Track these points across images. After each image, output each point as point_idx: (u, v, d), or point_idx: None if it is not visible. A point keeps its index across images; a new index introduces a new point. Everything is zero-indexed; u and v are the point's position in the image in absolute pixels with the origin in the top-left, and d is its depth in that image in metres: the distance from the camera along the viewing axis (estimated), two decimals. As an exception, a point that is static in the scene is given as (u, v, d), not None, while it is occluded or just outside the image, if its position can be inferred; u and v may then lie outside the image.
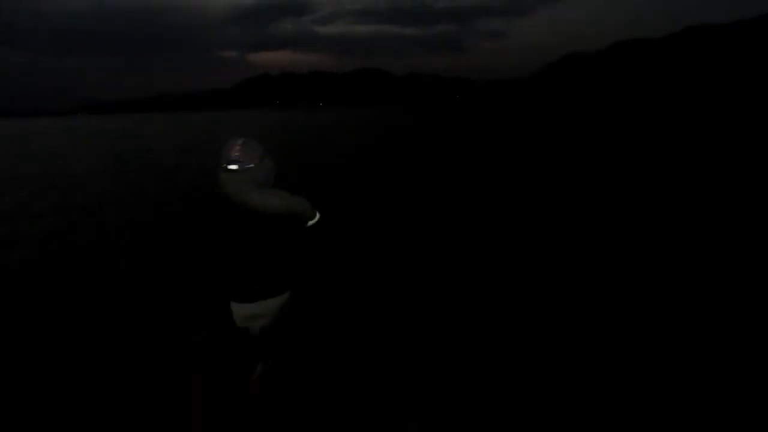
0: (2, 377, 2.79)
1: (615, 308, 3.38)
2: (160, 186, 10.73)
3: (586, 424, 2.24)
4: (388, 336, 3.16)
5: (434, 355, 2.91)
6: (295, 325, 2.60)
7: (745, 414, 2.26)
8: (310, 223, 2.07)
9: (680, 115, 28.04)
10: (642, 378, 2.56)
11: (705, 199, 6.77)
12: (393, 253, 4.87)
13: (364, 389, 2.57)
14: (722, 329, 3.08)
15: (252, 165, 1.88)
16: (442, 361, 2.83)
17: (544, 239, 5.32)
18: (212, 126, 47.47)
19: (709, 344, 2.89)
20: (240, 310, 2.10)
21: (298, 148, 18.70)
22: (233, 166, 1.87)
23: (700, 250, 4.53)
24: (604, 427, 2.22)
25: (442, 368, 2.74)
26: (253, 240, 1.98)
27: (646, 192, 7.68)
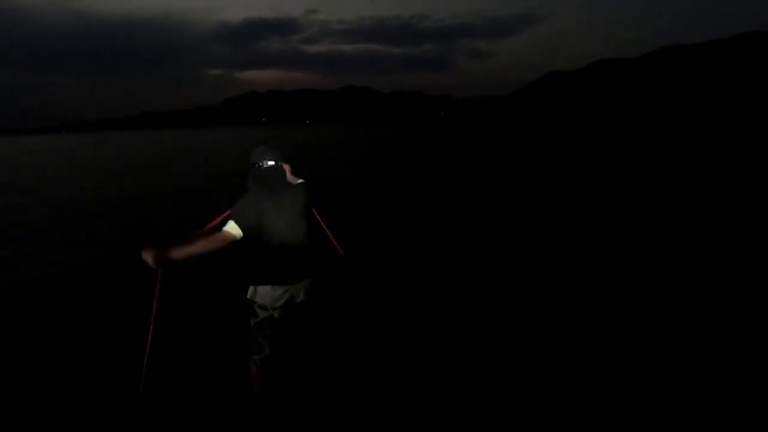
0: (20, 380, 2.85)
1: (609, 314, 3.41)
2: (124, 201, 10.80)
3: (585, 425, 2.21)
4: (388, 336, 3.17)
5: (435, 355, 2.89)
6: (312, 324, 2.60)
7: (745, 414, 2.24)
8: None
9: (655, 129, 29.66)
10: (642, 378, 2.53)
11: (679, 212, 6.86)
12: (386, 262, 4.92)
13: (364, 389, 2.54)
14: (722, 329, 3.07)
15: (281, 164, 2.29)
16: (443, 361, 2.81)
17: (529, 244, 5.49)
18: (192, 143, 47.54)
19: (708, 344, 2.87)
20: (282, 291, 2.24)
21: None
22: (270, 162, 2.24)
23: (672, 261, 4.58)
24: (604, 427, 2.19)
25: (442, 368, 2.72)
26: (299, 223, 2.27)
27: (623, 202, 7.87)
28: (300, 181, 2.41)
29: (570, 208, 7.65)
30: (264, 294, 2.23)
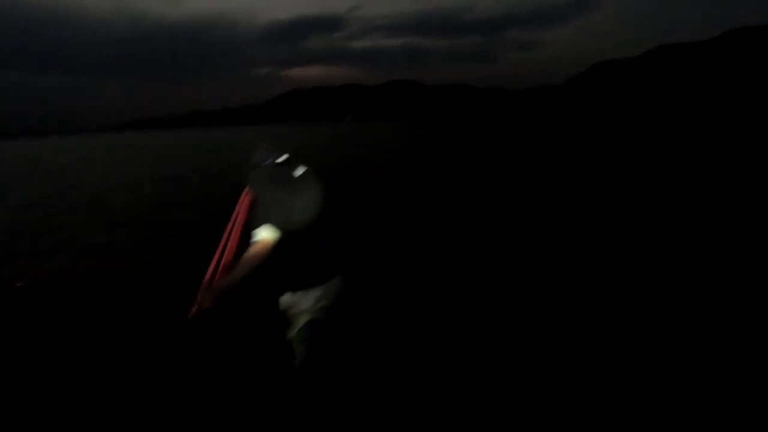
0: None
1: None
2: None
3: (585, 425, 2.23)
4: (398, 337, 3.12)
5: (444, 356, 2.87)
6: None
7: (745, 415, 2.26)
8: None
9: (727, 120, 25.80)
10: (642, 378, 2.55)
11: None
12: (417, 263, 4.69)
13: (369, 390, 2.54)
14: (722, 329, 3.07)
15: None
16: (452, 362, 2.80)
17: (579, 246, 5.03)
18: (237, 141, 49.05)
19: (708, 344, 2.89)
20: (320, 292, 2.15)
21: (317, 158, 18.48)
22: (284, 156, 2.18)
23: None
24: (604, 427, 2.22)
25: (450, 369, 2.71)
26: (323, 215, 2.15)
27: (677, 199, 7.11)
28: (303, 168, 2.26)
29: (635, 208, 6.82)
30: (302, 299, 2.13)
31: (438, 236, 5.85)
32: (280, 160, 2.15)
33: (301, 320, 2.18)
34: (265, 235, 1.95)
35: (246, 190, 2.29)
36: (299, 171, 2.18)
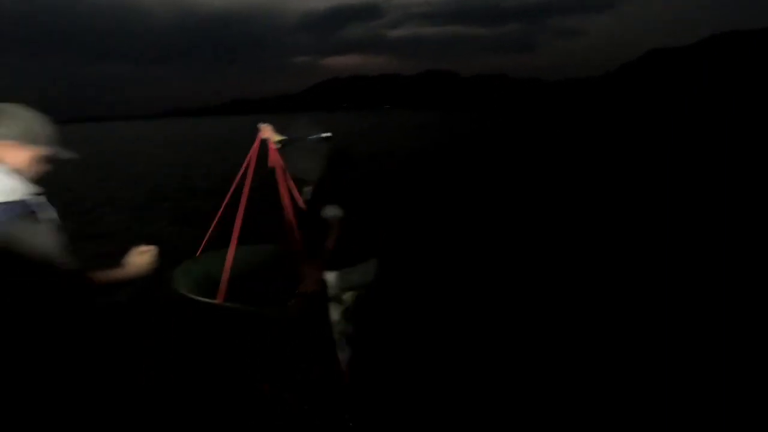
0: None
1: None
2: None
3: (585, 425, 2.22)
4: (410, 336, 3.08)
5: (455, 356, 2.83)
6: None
7: (745, 414, 2.25)
8: None
9: None
10: (641, 378, 2.55)
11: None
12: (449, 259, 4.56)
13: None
14: (722, 330, 3.07)
15: None
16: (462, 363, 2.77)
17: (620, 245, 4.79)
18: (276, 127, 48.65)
19: (708, 345, 2.89)
20: (357, 272, 2.19)
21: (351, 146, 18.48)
22: (327, 134, 2.22)
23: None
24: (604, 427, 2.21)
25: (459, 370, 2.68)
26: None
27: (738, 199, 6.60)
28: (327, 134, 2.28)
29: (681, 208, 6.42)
30: (348, 276, 2.16)
31: (465, 232, 5.77)
32: (325, 135, 2.18)
33: (348, 298, 2.22)
34: (338, 213, 2.04)
35: (258, 141, 2.43)
36: (340, 152, 2.26)
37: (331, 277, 2.19)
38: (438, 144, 20.41)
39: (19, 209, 1.18)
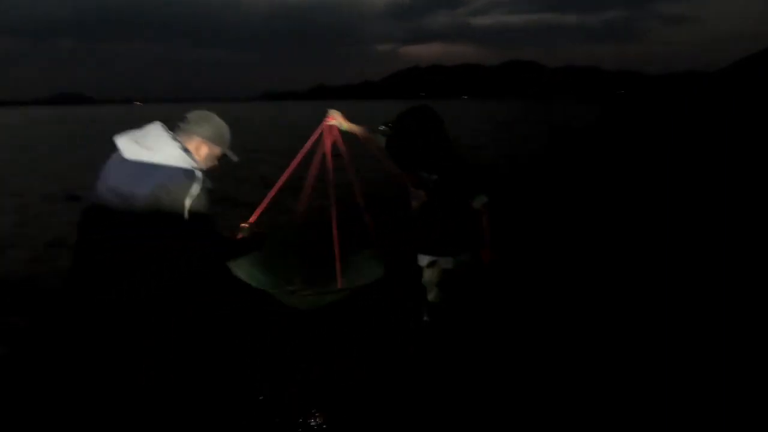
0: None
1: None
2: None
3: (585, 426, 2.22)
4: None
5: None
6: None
7: (745, 414, 2.26)
8: None
9: None
10: (642, 378, 2.53)
11: None
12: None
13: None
14: (722, 330, 3.05)
15: None
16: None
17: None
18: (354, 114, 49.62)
19: (708, 345, 2.88)
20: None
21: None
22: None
23: None
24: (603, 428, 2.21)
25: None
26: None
27: None
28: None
29: None
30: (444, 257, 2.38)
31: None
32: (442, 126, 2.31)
33: (437, 272, 2.43)
34: (486, 200, 2.22)
35: (326, 128, 2.49)
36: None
37: (428, 257, 2.42)
38: (518, 136, 19.04)
39: (191, 174, 1.64)
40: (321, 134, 2.49)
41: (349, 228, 2.67)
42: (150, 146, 1.63)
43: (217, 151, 1.81)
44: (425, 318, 2.62)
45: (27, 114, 70.59)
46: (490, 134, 20.26)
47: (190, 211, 1.60)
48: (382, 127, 2.51)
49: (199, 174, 1.67)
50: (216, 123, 1.81)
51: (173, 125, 1.77)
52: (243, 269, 2.29)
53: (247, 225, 2.23)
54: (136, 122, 1.79)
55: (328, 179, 2.51)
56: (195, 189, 1.62)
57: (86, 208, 1.66)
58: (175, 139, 1.68)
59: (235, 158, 1.88)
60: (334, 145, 2.52)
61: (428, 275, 2.44)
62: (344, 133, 2.54)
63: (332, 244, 2.52)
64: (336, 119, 2.47)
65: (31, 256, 4.65)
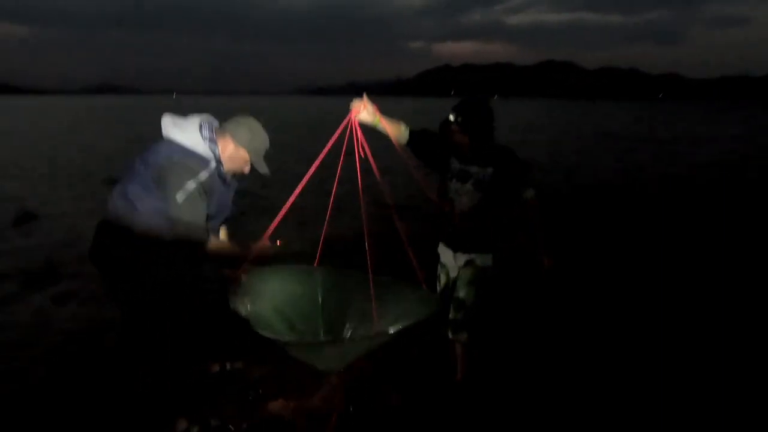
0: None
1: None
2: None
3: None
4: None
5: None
6: None
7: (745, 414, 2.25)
8: None
9: None
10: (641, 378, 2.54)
11: None
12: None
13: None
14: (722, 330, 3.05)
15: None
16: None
17: None
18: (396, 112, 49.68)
19: (708, 346, 2.88)
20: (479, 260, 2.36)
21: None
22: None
23: None
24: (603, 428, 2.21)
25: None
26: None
27: None
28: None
29: None
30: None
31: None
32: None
33: (473, 271, 2.36)
34: (534, 193, 2.26)
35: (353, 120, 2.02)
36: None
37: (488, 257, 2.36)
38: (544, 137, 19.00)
39: (202, 160, 1.74)
40: (347, 133, 2.00)
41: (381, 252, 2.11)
42: (181, 127, 1.75)
43: (243, 153, 1.84)
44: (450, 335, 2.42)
45: (78, 102, 73.76)
46: (521, 134, 19.89)
47: (180, 207, 1.66)
48: (451, 117, 2.21)
49: (212, 165, 1.75)
50: (252, 129, 1.87)
51: (221, 120, 1.85)
52: (247, 308, 1.96)
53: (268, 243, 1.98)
54: (184, 112, 1.89)
55: (358, 191, 1.98)
56: (203, 175, 1.70)
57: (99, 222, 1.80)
58: (203, 128, 1.76)
59: (263, 170, 1.89)
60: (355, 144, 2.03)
61: (464, 275, 2.36)
62: (368, 131, 2.10)
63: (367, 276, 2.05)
64: (361, 113, 2.07)
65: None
